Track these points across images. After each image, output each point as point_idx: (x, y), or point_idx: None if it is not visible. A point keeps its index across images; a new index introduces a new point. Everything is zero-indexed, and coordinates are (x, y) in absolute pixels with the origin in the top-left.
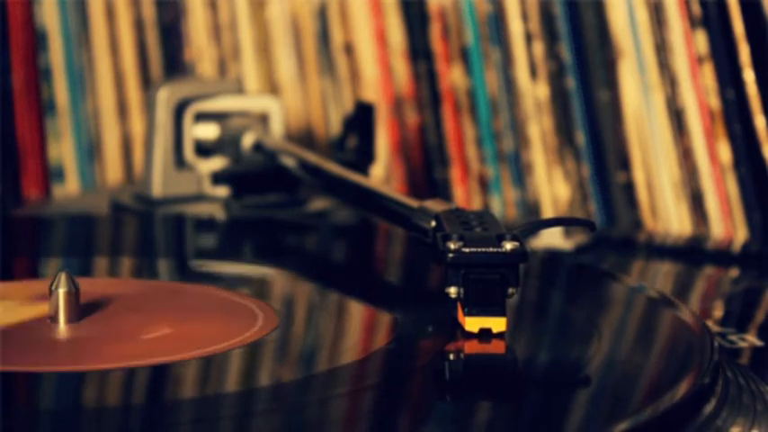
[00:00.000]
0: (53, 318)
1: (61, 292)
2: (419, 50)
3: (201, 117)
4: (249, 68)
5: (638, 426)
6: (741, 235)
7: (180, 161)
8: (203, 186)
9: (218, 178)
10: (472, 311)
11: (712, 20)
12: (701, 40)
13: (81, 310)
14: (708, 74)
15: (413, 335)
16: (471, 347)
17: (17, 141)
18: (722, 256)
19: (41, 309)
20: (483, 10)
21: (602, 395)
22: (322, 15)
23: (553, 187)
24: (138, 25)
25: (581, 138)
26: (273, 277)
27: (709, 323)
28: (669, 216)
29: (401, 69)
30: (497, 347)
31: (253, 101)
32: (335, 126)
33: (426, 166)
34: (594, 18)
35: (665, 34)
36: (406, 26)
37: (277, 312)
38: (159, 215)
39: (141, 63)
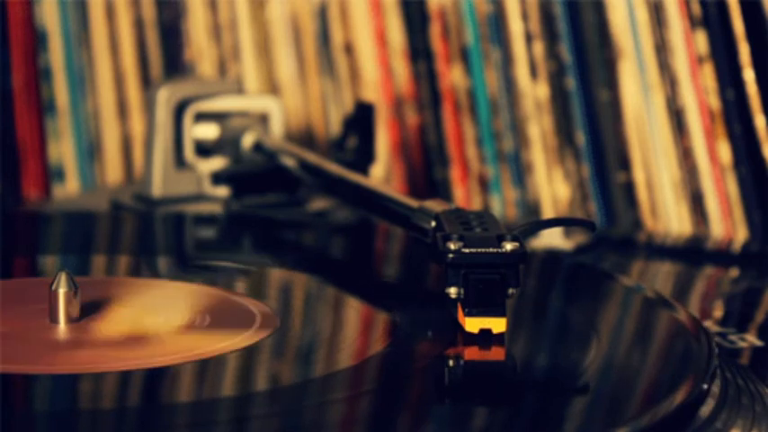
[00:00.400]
0: (53, 318)
1: (61, 292)
2: (419, 50)
3: (201, 117)
4: (249, 68)
5: (638, 429)
6: (741, 235)
7: (180, 161)
8: (203, 186)
9: (218, 178)
10: (472, 312)
11: (712, 20)
12: (701, 40)
13: (81, 309)
14: (708, 74)
15: (412, 337)
16: (470, 350)
17: (17, 141)
18: (722, 256)
19: (41, 308)
20: (483, 10)
21: (601, 398)
22: (322, 15)
23: (553, 187)
24: (138, 25)
25: (581, 138)
26: (273, 277)
27: (709, 323)
28: (669, 216)
29: (401, 69)
30: (496, 351)
31: (253, 101)
32: (335, 126)
33: (426, 166)
34: (594, 18)
35: (665, 34)
36: (406, 26)
37: (276, 313)
38: (159, 215)
39: (141, 63)
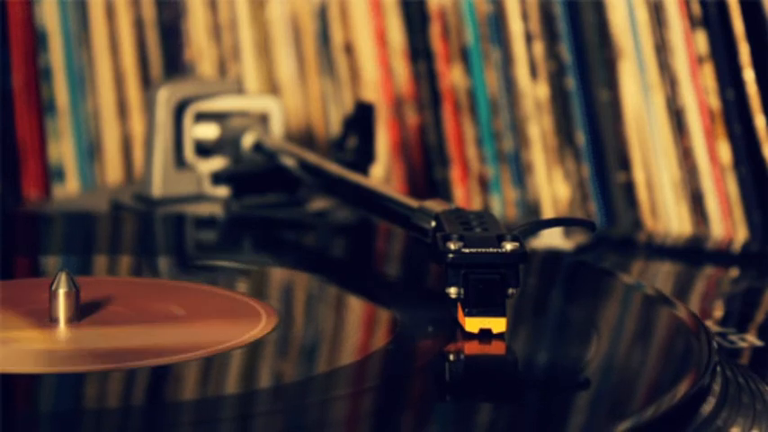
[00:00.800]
0: (53, 318)
1: (61, 292)
2: (419, 50)
3: (201, 117)
4: (249, 68)
5: (638, 426)
6: (741, 235)
7: (180, 161)
8: (203, 186)
9: (218, 178)
10: (472, 312)
11: (712, 20)
12: (701, 40)
13: (81, 309)
14: (708, 74)
15: (413, 335)
16: (471, 348)
17: (17, 141)
18: (722, 256)
19: (41, 308)
20: (483, 10)
21: (601, 396)
22: (322, 15)
23: (553, 187)
24: (138, 25)
25: (581, 138)
26: (273, 276)
27: (709, 323)
28: (669, 216)
29: (401, 69)
30: (497, 348)
31: (253, 101)
32: (335, 126)
33: (426, 166)
34: (594, 18)
35: (665, 34)
36: (406, 26)
37: (277, 312)
38: (159, 215)
39: (141, 63)
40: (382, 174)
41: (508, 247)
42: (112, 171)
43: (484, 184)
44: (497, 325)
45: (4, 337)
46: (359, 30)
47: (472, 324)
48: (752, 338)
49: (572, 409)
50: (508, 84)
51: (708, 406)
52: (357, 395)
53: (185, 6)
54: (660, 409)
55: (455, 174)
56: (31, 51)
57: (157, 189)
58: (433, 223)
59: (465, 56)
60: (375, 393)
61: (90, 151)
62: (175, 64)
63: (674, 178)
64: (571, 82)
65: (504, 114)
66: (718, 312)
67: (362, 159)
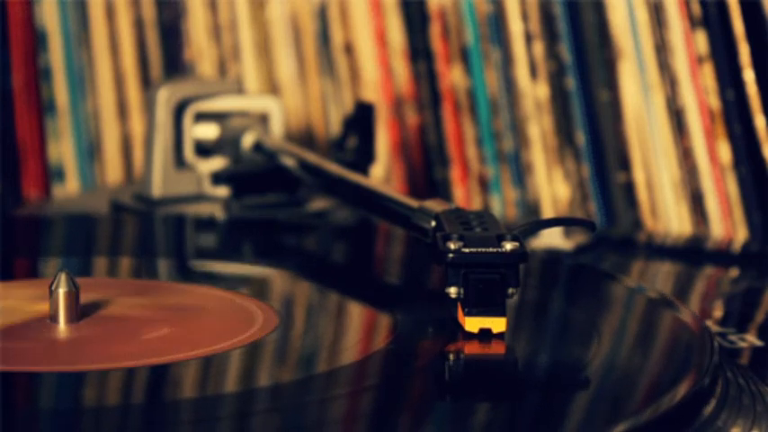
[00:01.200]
0: (53, 318)
1: (61, 292)
2: (419, 50)
3: (201, 117)
4: (249, 68)
5: (638, 427)
6: (741, 235)
7: (180, 161)
8: (203, 186)
9: (218, 178)
10: (472, 312)
11: (712, 20)
12: (701, 40)
13: (81, 310)
14: (708, 74)
15: (412, 335)
16: (471, 348)
17: (17, 141)
18: (722, 256)
19: (41, 308)
20: (483, 10)
21: (601, 396)
22: (322, 15)
23: (553, 187)
24: (138, 25)
25: (581, 138)
26: (273, 277)
27: (710, 323)
28: (669, 216)
29: (401, 69)
30: (497, 348)
31: (253, 101)
32: (335, 126)
33: (426, 166)
34: (594, 18)
35: (665, 34)
36: (406, 26)
37: (277, 312)
38: (159, 215)
39: (141, 63)
40: (382, 174)
41: (508, 246)
42: (112, 171)
43: (484, 184)
44: (497, 325)
45: (4, 335)
46: (359, 30)
47: (472, 324)
48: (752, 338)
49: (572, 410)
50: (508, 84)
51: (708, 407)
52: (357, 395)
53: (185, 6)
54: (660, 410)
55: (455, 174)
56: (31, 51)
57: (157, 189)
58: (433, 223)
59: (465, 56)
60: (375, 393)
61: (90, 151)
62: (175, 64)
63: (674, 178)
64: (571, 82)
65: (504, 114)
66: (718, 312)
67: (362, 159)
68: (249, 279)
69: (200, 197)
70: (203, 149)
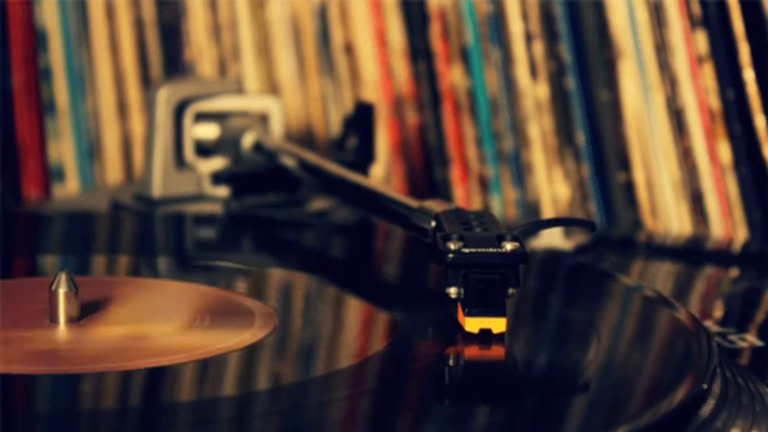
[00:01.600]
0: (53, 318)
1: (61, 292)
2: (419, 50)
3: (201, 117)
4: (249, 68)
5: (638, 428)
6: (741, 235)
7: (180, 161)
8: (203, 186)
9: (218, 178)
10: (472, 312)
11: (712, 20)
12: (701, 40)
13: (81, 309)
14: (708, 74)
15: (412, 336)
16: (470, 350)
17: (17, 141)
18: (722, 256)
19: (41, 308)
20: (483, 10)
21: (601, 398)
22: (322, 15)
23: (553, 187)
24: (138, 25)
25: (581, 138)
26: (273, 277)
27: (709, 323)
28: (669, 216)
29: (401, 69)
30: (497, 350)
31: (253, 101)
32: (335, 126)
33: (426, 166)
34: (594, 18)
35: (665, 34)
36: (406, 26)
37: (276, 313)
38: (159, 215)
39: (141, 63)
40: (382, 174)
41: (508, 247)
42: (112, 171)
43: (484, 184)
44: (497, 325)
45: (4, 337)
46: (359, 30)
47: (472, 324)
48: (752, 338)
49: (571, 411)
50: (508, 84)
51: (707, 407)
52: (356, 397)
53: (185, 6)
54: (659, 411)
55: (455, 174)
56: (31, 51)
57: (157, 189)
58: (433, 223)
59: (465, 56)
60: (374, 395)
61: (90, 151)
62: (175, 64)
63: (674, 178)
64: (571, 82)
65: (504, 114)
66: (718, 312)
67: (362, 159)
68: (248, 278)
69: (200, 197)
70: (203, 149)
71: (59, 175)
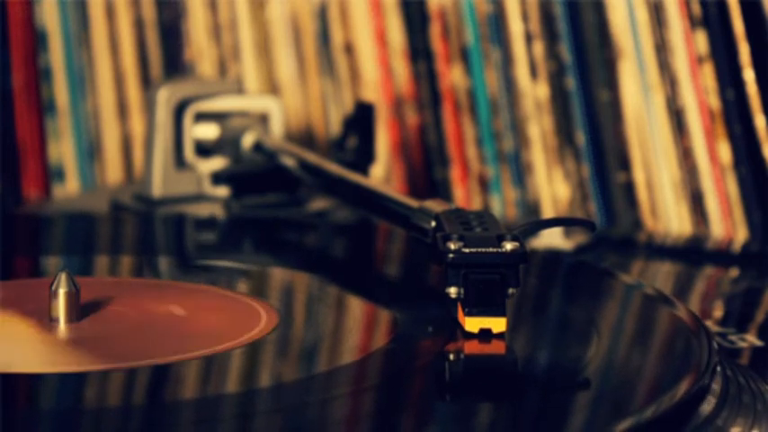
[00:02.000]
0: (53, 318)
1: (61, 292)
2: (419, 50)
3: (201, 117)
4: (249, 68)
5: (639, 426)
6: (741, 235)
7: (180, 161)
8: (203, 186)
9: (218, 178)
10: (472, 312)
11: (712, 20)
12: (701, 40)
13: (81, 309)
14: (708, 74)
15: (413, 334)
16: (471, 348)
17: (17, 141)
18: (722, 256)
19: (41, 308)
20: (483, 10)
21: (601, 396)
22: (322, 15)
23: (553, 187)
24: (138, 25)
25: (581, 138)
26: (273, 276)
27: (709, 323)
28: (669, 216)
29: (401, 69)
30: (497, 348)
31: (253, 101)
32: (335, 126)
33: (426, 166)
34: (594, 18)
35: (665, 34)
36: (406, 26)
37: (277, 311)
38: (159, 215)
39: (141, 63)
40: (382, 174)
41: (508, 247)
42: (112, 171)
43: (484, 184)
44: (497, 325)
45: (4, 336)
46: (359, 30)
47: (472, 324)
48: (752, 338)
49: (572, 409)
50: (508, 84)
51: (708, 406)
52: (357, 395)
53: (185, 6)
54: (660, 408)
55: (455, 174)
56: (31, 51)
57: (157, 189)
58: (433, 223)
59: (465, 56)
60: (375, 393)
61: (90, 151)
62: (175, 64)
63: (674, 178)
64: (571, 82)
65: (504, 114)
66: (718, 312)
67: (362, 159)
68: (249, 278)
69: (200, 197)
70: (203, 149)
71: (59, 175)
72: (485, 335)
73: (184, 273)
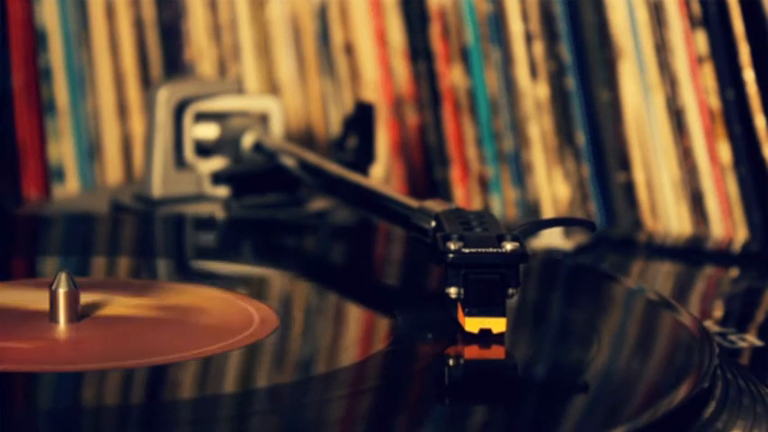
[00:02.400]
0: (53, 318)
1: (61, 292)
2: (419, 50)
3: (201, 117)
4: (249, 68)
5: (638, 430)
6: (741, 235)
7: (180, 161)
8: (203, 186)
9: (218, 178)
10: (472, 312)
11: (712, 20)
12: (701, 40)
13: (81, 310)
14: (708, 74)
15: (412, 337)
16: (470, 350)
17: (17, 141)
18: (722, 256)
19: (41, 308)
20: (483, 10)
21: (601, 399)
22: (322, 15)
23: (553, 187)
24: (138, 25)
25: (581, 138)
26: (273, 278)
27: (709, 323)
28: (669, 216)
29: (401, 69)
30: (496, 351)
31: (253, 101)
32: (335, 126)
33: (426, 166)
34: (594, 18)
35: (665, 34)
36: (406, 26)
37: (276, 313)
38: (159, 215)
39: (141, 63)
40: (382, 174)
41: (508, 247)
42: (112, 171)
43: (484, 184)
44: (497, 325)
45: (4, 336)
46: (359, 30)
47: (472, 324)
48: (752, 338)
49: (572, 412)
50: (508, 84)
51: (708, 409)
52: (356, 397)
53: (185, 6)
54: (660, 412)
55: (455, 174)
56: (31, 51)
57: (157, 189)
58: (433, 223)
59: (465, 56)
60: (374, 395)
61: (90, 151)
62: (175, 64)
63: (674, 178)
64: (571, 82)
65: (504, 114)
66: (718, 312)
67: (362, 159)
68: (248, 279)
69: (200, 197)
70: (203, 149)
71: (59, 175)
72: (485, 335)
73: (183, 273)
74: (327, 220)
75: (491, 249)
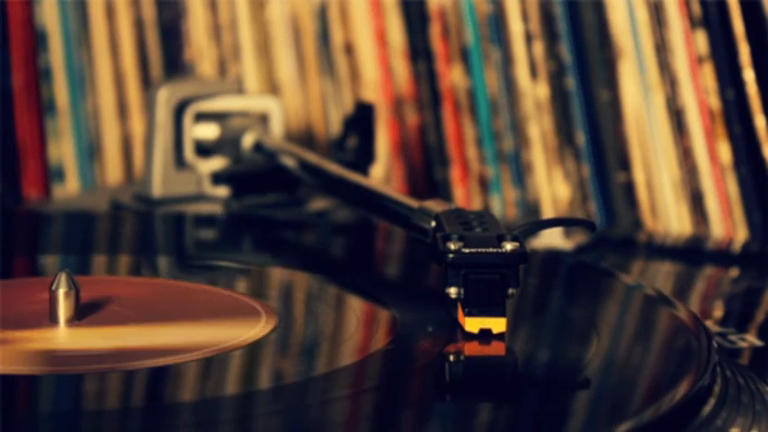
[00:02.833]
0: (53, 318)
1: (61, 292)
2: (419, 50)
3: (201, 117)
4: (249, 68)
5: (639, 427)
6: (741, 235)
7: (180, 161)
8: (203, 186)
9: (218, 178)
10: (472, 312)
11: (712, 20)
12: (701, 40)
13: (81, 309)
14: (708, 74)
15: (413, 335)
16: (471, 348)
17: (17, 141)
18: (722, 256)
19: (41, 308)
20: (483, 10)
21: (601, 396)
22: (322, 15)
23: (553, 187)
24: (138, 25)
25: (581, 138)
26: (273, 276)
27: (709, 323)
28: (669, 216)
29: (401, 69)
30: (497, 348)
31: (253, 101)
32: (335, 126)
33: (426, 166)
34: (594, 18)
35: (665, 34)
36: (406, 26)
37: (277, 312)
38: (159, 215)
39: (141, 63)
40: (382, 174)
41: (508, 247)
42: (112, 171)
43: (484, 184)
44: (497, 325)
45: (3, 337)
46: (359, 30)
47: (472, 324)
48: (752, 338)
49: (572, 410)
50: (508, 84)
51: (707, 406)
52: (357, 395)
53: (185, 6)
54: (660, 409)
55: (455, 174)
56: (31, 51)
57: (157, 189)
58: (433, 223)
59: (465, 56)
60: (375, 394)
61: (90, 151)
62: (175, 64)
63: (674, 178)
64: (571, 82)
65: (504, 114)
66: (718, 312)
67: (362, 159)
68: (249, 278)
69: (200, 197)
70: (203, 149)
71: (59, 175)
72: (485, 335)
73: (184, 272)
74: (327, 220)
75: (491, 249)
